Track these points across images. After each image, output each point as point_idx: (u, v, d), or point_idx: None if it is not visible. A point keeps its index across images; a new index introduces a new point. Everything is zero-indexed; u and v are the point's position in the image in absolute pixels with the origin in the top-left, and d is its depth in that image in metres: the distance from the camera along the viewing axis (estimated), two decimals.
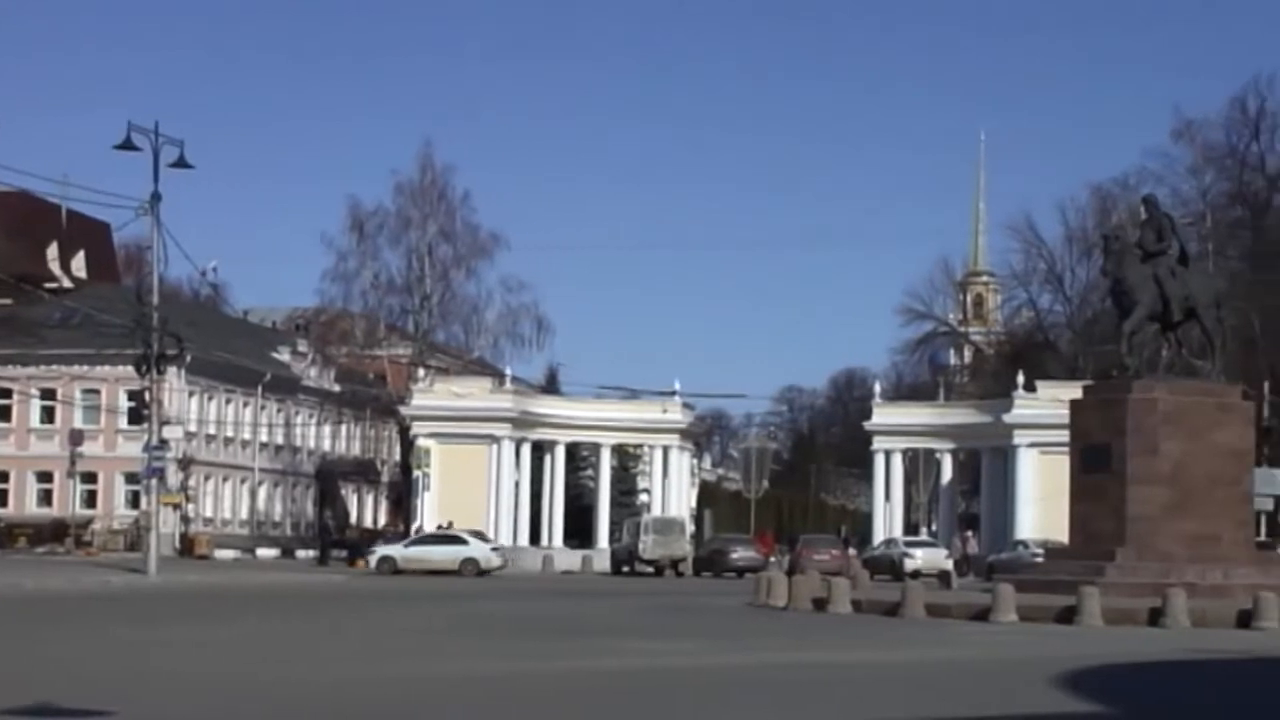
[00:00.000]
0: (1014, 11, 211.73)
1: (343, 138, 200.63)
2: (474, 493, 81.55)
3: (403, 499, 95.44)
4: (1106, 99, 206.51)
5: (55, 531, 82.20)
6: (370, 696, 18.36)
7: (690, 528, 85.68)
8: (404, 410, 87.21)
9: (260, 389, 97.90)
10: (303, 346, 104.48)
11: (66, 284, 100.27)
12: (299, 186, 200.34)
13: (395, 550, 69.82)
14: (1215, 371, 40.64)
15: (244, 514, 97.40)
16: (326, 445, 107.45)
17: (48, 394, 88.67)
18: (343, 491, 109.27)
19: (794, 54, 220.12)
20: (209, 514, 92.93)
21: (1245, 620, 32.14)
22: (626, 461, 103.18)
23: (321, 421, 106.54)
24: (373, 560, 68.58)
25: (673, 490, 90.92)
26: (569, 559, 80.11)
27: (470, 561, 66.84)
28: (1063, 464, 42.75)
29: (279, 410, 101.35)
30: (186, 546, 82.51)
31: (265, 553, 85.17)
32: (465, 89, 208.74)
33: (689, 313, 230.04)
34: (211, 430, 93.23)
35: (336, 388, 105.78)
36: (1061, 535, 46.15)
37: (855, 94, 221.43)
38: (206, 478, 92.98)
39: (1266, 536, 70.31)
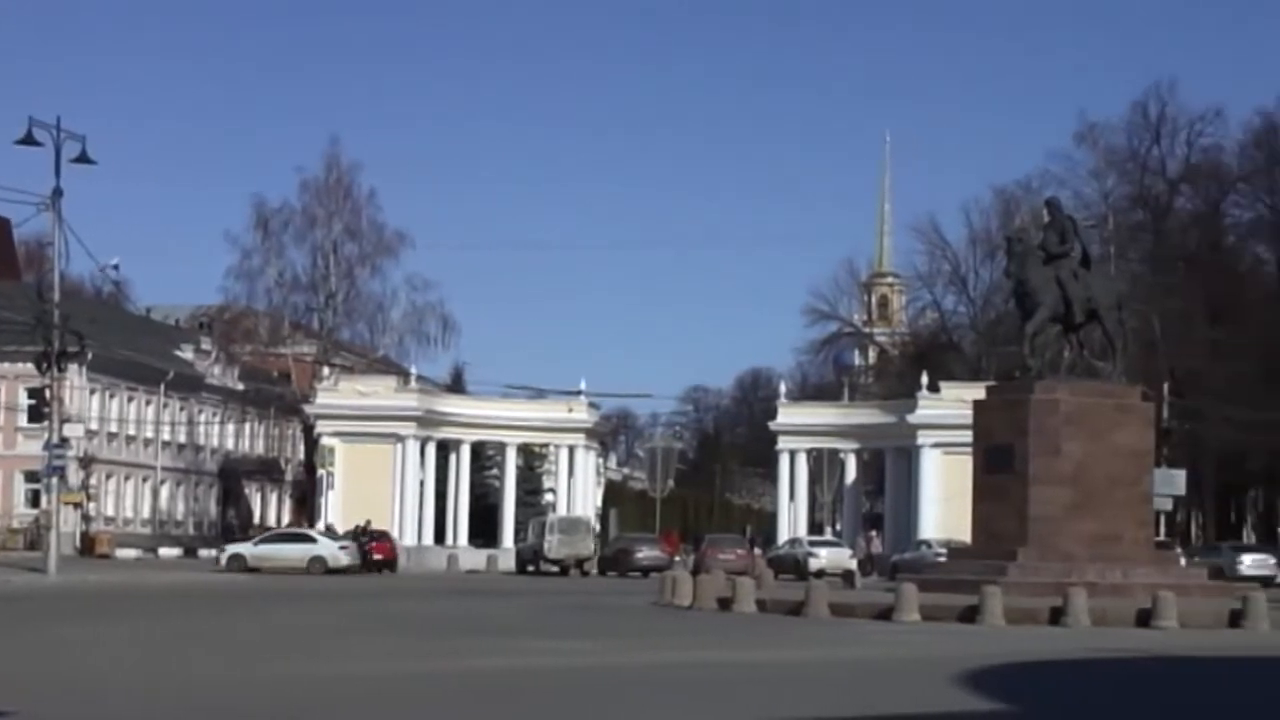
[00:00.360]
0: (918, 12, 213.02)
1: (248, 135, 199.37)
2: (378, 492, 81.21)
3: (307, 498, 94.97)
4: (1011, 102, 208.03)
5: None
6: (267, 696, 18.25)
7: (595, 527, 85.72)
8: (308, 409, 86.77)
9: (163, 387, 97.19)
10: (206, 344, 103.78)
11: None
12: (203, 183, 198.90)
13: (245, 548, 70.03)
14: (1116, 373, 41.01)
15: (146, 513, 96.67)
16: (230, 444, 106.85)
17: None
18: (246, 490, 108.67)
19: (701, 52, 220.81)
20: (110, 513, 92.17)
21: (1145, 619, 32.43)
22: (532, 461, 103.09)
23: (225, 420, 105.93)
24: (223, 558, 68.57)
25: (578, 490, 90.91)
26: (474, 558, 79.98)
27: (318, 560, 66.80)
28: (966, 464, 43.03)
29: (182, 408, 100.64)
30: (87, 546, 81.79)
31: (168, 552, 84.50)
32: (372, 88, 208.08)
33: (595, 312, 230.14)
34: (113, 428, 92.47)
35: (240, 386, 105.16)
36: (964, 535, 46.45)
37: (762, 93, 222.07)
38: (108, 476, 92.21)
39: (1165, 536, 71.10)
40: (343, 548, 68.88)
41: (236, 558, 67.72)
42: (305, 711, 17.09)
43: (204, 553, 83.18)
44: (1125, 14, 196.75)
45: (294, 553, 67.50)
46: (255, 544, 70.98)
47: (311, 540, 69.82)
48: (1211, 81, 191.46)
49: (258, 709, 17.25)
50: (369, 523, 74.77)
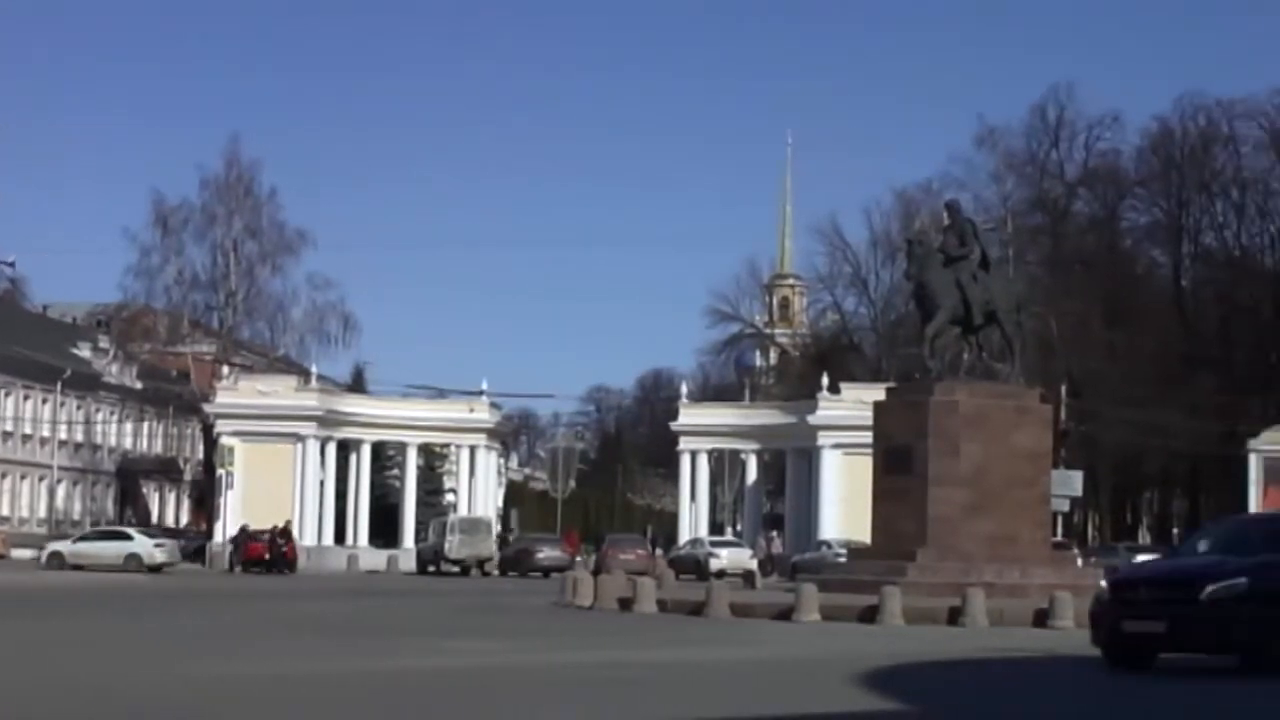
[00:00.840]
0: (820, 12, 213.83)
1: (147, 131, 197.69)
2: (278, 491, 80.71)
3: (205, 498, 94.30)
4: (912, 104, 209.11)
5: None
6: (162, 697, 18.13)
7: (496, 527, 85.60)
8: (208, 408, 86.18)
9: (59, 385, 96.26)
10: (104, 343, 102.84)
11: None
12: (102, 180, 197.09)
13: (64, 546, 70.55)
14: (1015, 375, 41.31)
15: (42, 512, 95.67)
16: (128, 443, 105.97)
17: None
18: (144, 490, 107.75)
19: (605, 49, 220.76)
20: (5, 512, 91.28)
21: (1042, 619, 32.66)
22: (433, 461, 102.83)
23: (123, 419, 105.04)
24: (44, 556, 68.77)
25: (479, 490, 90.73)
26: (374, 559, 79.66)
27: (133, 557, 67.07)
28: (866, 465, 43.23)
29: (79, 407, 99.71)
30: None
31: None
32: (272, 85, 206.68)
33: (497, 312, 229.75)
34: (8, 427, 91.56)
35: (138, 385, 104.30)
36: (864, 535, 46.64)
37: (664, 92, 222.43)
38: (3, 475, 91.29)
39: (1062, 537, 71.73)
40: (158, 545, 69.33)
41: (56, 555, 68.41)
42: (197, 714, 16.99)
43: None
44: (1025, 18, 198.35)
45: (110, 550, 68.20)
46: (74, 542, 71.64)
47: (128, 538, 70.68)
48: (1109, 86, 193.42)
49: (151, 711, 17.12)
50: (289, 523, 75.07)
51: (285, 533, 74.63)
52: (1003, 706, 18.49)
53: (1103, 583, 23.69)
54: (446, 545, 75.06)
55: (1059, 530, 69.95)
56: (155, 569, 66.05)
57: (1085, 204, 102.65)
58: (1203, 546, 24.02)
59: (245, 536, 74.45)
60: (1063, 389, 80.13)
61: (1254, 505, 78.31)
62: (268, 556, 72.83)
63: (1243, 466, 79.66)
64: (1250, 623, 20.87)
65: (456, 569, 74.08)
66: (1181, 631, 21.37)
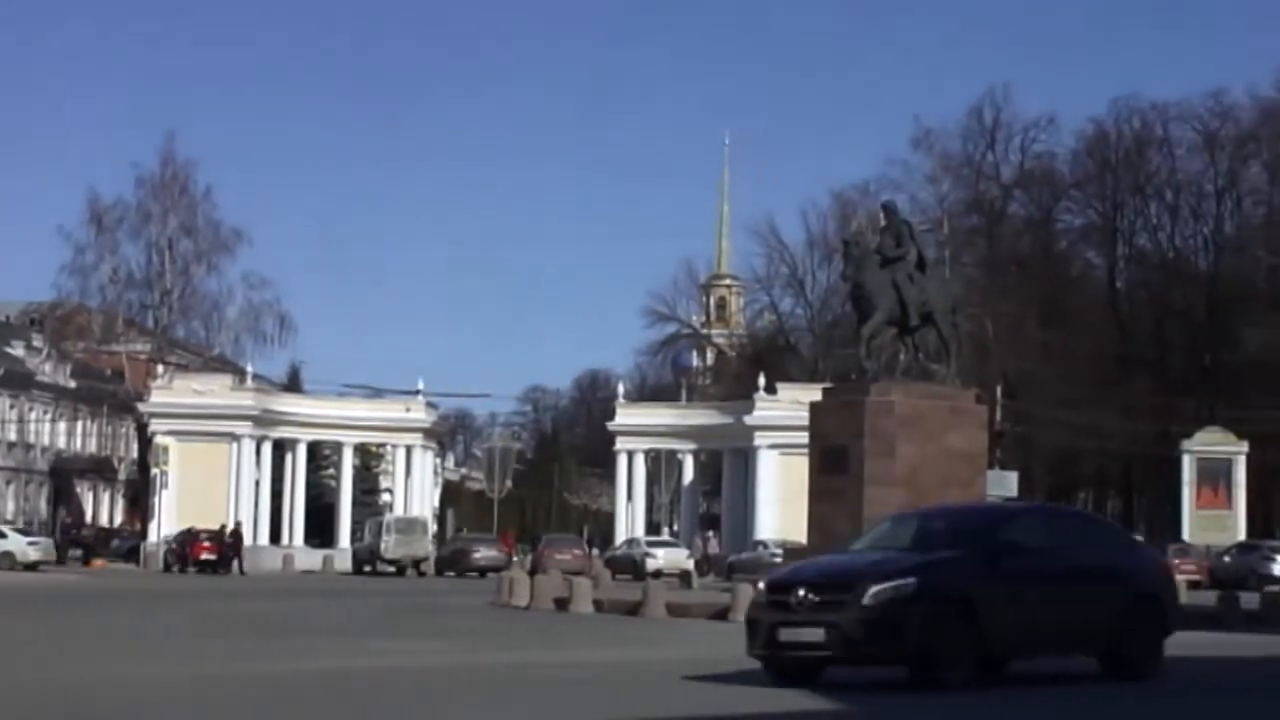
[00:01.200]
0: (756, 14, 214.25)
1: (82, 129, 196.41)
2: (214, 491, 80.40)
3: (140, 497, 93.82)
4: (849, 106, 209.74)
5: None
6: (94, 698, 18.03)
7: (433, 527, 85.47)
8: (142, 407, 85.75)
9: None
10: (37, 341, 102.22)
11: None
12: (35, 178, 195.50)
13: None
14: (950, 375, 41.43)
15: None
16: (62, 442, 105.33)
17: None
18: (78, 490, 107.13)
19: (542, 48, 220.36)
20: None
21: None
22: (369, 461, 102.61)
23: (56, 418, 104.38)
24: None
25: (415, 490, 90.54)
26: (310, 558, 79.47)
27: (6, 555, 66.93)
28: (802, 465, 43.26)
29: (11, 406, 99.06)
30: None
31: None
32: (208, 84, 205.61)
33: (433, 312, 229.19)
34: None
35: (73, 383, 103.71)
36: (801, 535, 46.68)
37: (603, 92, 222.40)
38: None
39: None
40: (32, 543, 69.20)
41: None
42: (125, 714, 16.90)
43: None
44: (961, 20, 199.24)
45: None
46: None
47: (1, 535, 70.25)
48: (1045, 89, 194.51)
49: (82, 712, 17.03)
50: (240, 525, 75.14)
51: (236, 534, 74.38)
52: (931, 705, 18.52)
53: (760, 584, 21.22)
54: (383, 545, 74.94)
55: None
56: (30, 567, 65.81)
57: (1021, 206, 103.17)
58: (868, 541, 21.29)
59: (189, 537, 73.82)
60: (998, 390, 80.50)
61: (1187, 505, 78.94)
62: (216, 557, 72.25)
63: (1176, 467, 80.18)
64: (920, 630, 18.41)
65: (392, 569, 73.96)
66: (841, 640, 18.59)
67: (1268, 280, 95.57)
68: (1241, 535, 75.87)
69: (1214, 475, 78.84)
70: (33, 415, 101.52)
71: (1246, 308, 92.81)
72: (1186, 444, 79.74)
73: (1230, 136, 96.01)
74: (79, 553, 78.17)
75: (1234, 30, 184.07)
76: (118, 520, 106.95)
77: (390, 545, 74.63)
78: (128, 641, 27.22)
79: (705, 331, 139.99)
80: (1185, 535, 76.89)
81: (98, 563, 74.70)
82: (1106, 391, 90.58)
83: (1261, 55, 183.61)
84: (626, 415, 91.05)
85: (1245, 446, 79.27)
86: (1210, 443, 79.59)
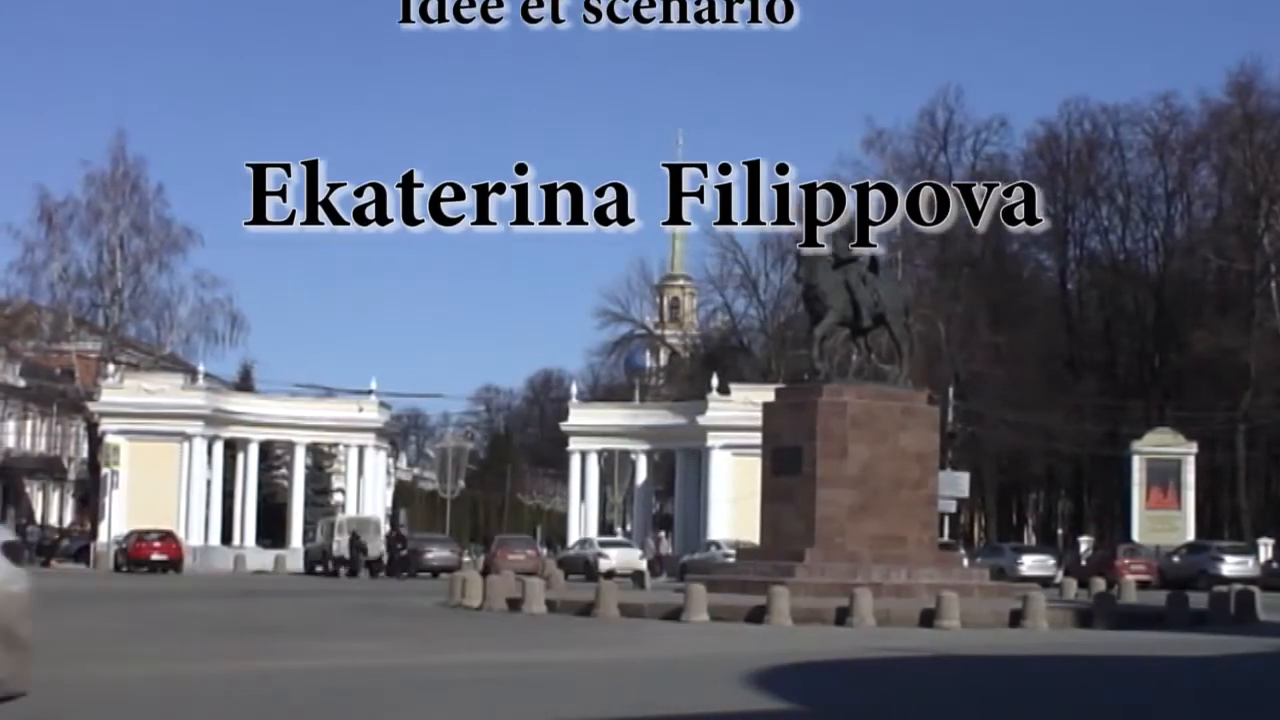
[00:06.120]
0: None
1: (31, 126, 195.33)
2: (164, 491, 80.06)
3: (90, 497, 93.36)
4: (802, 107, 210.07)
5: None
6: (47, 697, 17.94)
7: (385, 527, 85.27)
8: (92, 406, 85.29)
9: None
10: None
11: None
12: None
13: None
14: (902, 376, 41.61)
15: None
16: (10, 441, 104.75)
17: None
18: (28, 489, 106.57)
19: (493, 44, 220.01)
20: None
21: (928, 619, 32.95)
22: (321, 460, 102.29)
23: (5, 417, 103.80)
24: None
25: (368, 490, 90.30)
26: (261, 559, 79.19)
27: None
28: (755, 466, 43.43)
29: None
30: None
31: None
32: (159, 82, 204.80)
33: (386, 311, 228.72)
34: None
35: (21, 382, 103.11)
36: (753, 536, 46.84)
37: (555, 90, 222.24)
38: None
39: (949, 538, 72.40)
40: None
41: None
42: (78, 715, 16.85)
43: None
44: (914, 22, 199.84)
45: None
46: None
47: None
48: (997, 91, 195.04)
49: (29, 714, 16.95)
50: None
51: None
52: (888, 706, 18.61)
53: None
54: (334, 545, 74.74)
55: (945, 531, 70.61)
56: None
57: None
58: None
59: (134, 537, 73.50)
60: (950, 391, 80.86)
61: (1137, 506, 79.51)
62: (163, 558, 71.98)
63: (1126, 468, 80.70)
64: None
65: (344, 569, 73.78)
66: None
67: (1216, 282, 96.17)
68: (1191, 535, 76.42)
69: (1163, 476, 79.37)
70: None
71: (1196, 309, 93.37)
72: (1136, 445, 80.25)
73: (1180, 140, 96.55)
74: (39, 556, 77.72)
75: (1184, 34, 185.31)
76: (68, 520, 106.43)
77: (342, 545, 74.47)
78: (80, 643, 27.10)
79: (659, 332, 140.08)
80: (1135, 535, 77.44)
81: (54, 563, 74.21)
82: (1057, 392, 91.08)
83: (1211, 59, 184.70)
84: (579, 415, 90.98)
85: (1194, 447, 79.82)
86: (1160, 444, 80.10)
